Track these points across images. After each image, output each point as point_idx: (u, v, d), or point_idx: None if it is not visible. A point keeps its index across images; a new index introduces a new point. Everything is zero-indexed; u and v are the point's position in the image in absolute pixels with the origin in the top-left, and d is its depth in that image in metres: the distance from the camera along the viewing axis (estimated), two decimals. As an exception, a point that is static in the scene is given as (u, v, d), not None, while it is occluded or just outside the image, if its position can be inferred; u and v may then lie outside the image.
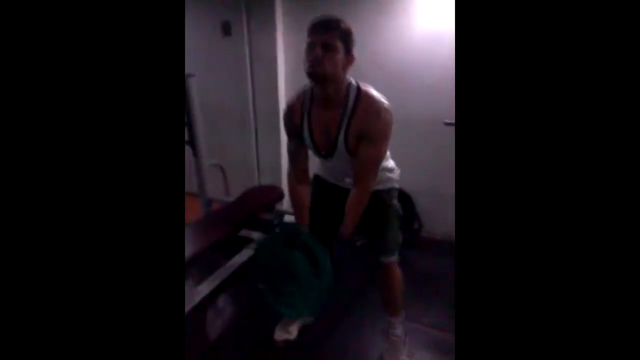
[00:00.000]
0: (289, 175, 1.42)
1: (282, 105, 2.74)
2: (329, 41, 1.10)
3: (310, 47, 1.11)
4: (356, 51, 1.18)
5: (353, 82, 1.21)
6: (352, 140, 1.21)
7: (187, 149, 2.28)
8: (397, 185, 1.45)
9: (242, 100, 2.81)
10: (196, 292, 1.89)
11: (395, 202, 1.43)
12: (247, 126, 2.87)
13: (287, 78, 2.68)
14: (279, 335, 1.61)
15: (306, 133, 1.29)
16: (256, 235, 2.41)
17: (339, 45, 1.11)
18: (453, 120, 2.16)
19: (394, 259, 1.42)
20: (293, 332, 1.64)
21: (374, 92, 1.20)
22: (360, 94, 1.19)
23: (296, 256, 1.32)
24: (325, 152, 1.29)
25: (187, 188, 3.02)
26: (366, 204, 1.29)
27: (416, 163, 2.25)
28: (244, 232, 2.35)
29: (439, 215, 2.47)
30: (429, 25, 2.16)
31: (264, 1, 2.48)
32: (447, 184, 2.36)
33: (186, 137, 2.27)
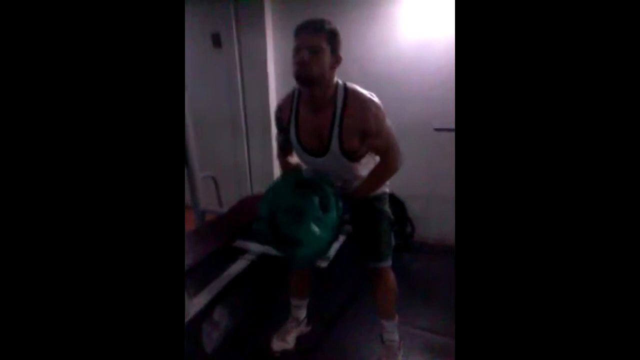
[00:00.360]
0: (277, 152, 1.47)
1: (273, 113, 2.75)
2: (315, 44, 1.11)
3: (297, 50, 1.13)
4: (343, 59, 1.19)
5: (340, 81, 1.22)
6: (348, 141, 1.21)
7: (180, 161, 2.28)
8: (387, 190, 1.47)
9: (233, 110, 2.82)
10: (192, 304, 1.88)
11: (386, 207, 1.45)
12: (238, 136, 2.89)
13: (278, 87, 2.70)
14: (277, 345, 1.61)
15: (293, 135, 1.30)
16: (251, 245, 2.41)
17: (326, 47, 1.12)
18: (443, 126, 2.19)
19: (387, 263, 1.43)
20: (290, 341, 1.63)
21: (360, 88, 1.22)
22: (348, 92, 1.20)
23: (306, 193, 1.27)
24: (316, 152, 1.29)
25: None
26: (387, 179, 1.34)
27: (407, 169, 2.25)
28: (238, 243, 2.36)
29: (431, 220, 2.50)
30: (416, 33, 2.20)
31: (254, 12, 2.51)
32: (438, 188, 2.42)
33: (178, 149, 2.26)
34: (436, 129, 2.22)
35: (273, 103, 2.72)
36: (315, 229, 1.23)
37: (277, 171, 2.89)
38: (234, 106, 2.81)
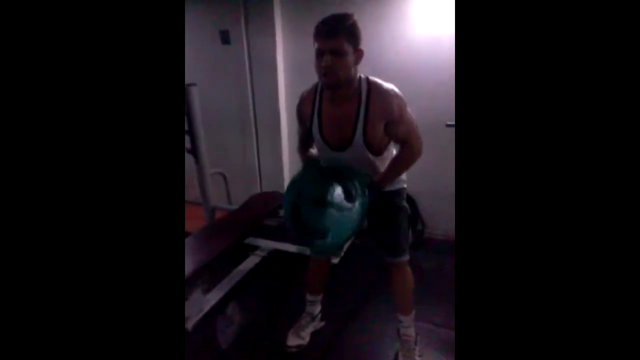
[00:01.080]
0: (298, 149, 1.48)
1: (283, 111, 2.78)
2: (338, 47, 1.11)
3: (319, 54, 1.13)
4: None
5: (362, 75, 1.23)
6: (372, 131, 1.23)
7: (189, 158, 2.28)
8: (405, 186, 1.47)
9: (242, 107, 2.82)
10: (205, 301, 1.88)
11: (404, 202, 1.45)
12: (248, 132, 2.89)
13: (287, 84, 2.69)
14: (292, 340, 1.60)
15: (316, 128, 1.30)
16: (261, 242, 2.41)
17: (348, 48, 1.12)
18: (454, 122, 2.18)
19: (405, 258, 1.44)
20: (305, 337, 1.63)
21: (380, 81, 1.24)
22: (371, 85, 1.22)
23: (332, 185, 1.25)
24: (337, 146, 1.29)
25: (190, 197, 3.02)
26: (409, 166, 1.34)
27: (418, 165, 2.26)
28: (249, 240, 2.35)
29: (441, 216, 2.49)
30: (427, 30, 2.19)
31: (263, 8, 2.50)
32: (449, 185, 2.40)
33: (188, 146, 2.27)
34: (448, 125, 2.21)
35: (282, 100, 2.71)
36: (339, 218, 1.22)
37: (286, 169, 2.89)
38: (243, 103, 2.80)
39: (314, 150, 1.46)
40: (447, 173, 2.37)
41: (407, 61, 2.29)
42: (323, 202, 1.23)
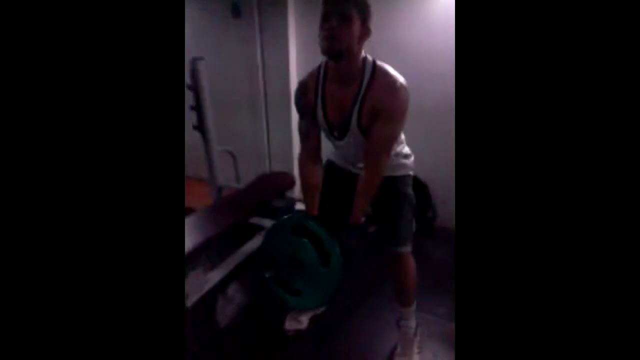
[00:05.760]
0: (300, 154, 1.36)
1: (294, 89, 2.69)
2: (345, 11, 1.02)
3: (325, 17, 1.05)
4: (373, 35, 1.10)
5: (369, 57, 1.15)
6: (366, 118, 1.15)
7: (197, 134, 2.25)
8: (411, 173, 1.39)
9: (252, 83, 2.75)
10: (207, 280, 1.88)
11: (409, 190, 1.37)
12: (257, 110, 2.83)
13: (298, 61, 2.60)
14: (290, 324, 1.60)
15: (319, 111, 1.23)
16: (267, 222, 2.39)
17: (356, 16, 1.04)
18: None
19: (407, 249, 1.37)
20: (304, 321, 1.62)
21: (390, 69, 1.14)
22: (376, 69, 1.13)
23: (304, 244, 1.27)
24: (339, 132, 1.23)
25: (197, 174, 3.01)
26: (377, 189, 1.23)
27: (432, 151, 2.17)
28: (254, 220, 2.33)
29: (453, 204, 2.39)
30: (449, 11, 2.05)
31: (275, -19, 2.40)
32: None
33: (195, 122, 2.23)
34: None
35: (293, 78, 2.63)
36: (315, 281, 1.30)
37: (296, 149, 2.82)
38: (253, 80, 2.74)
39: (316, 173, 1.35)
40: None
41: (427, 42, 2.16)
42: (298, 265, 1.30)
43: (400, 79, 1.12)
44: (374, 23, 1.10)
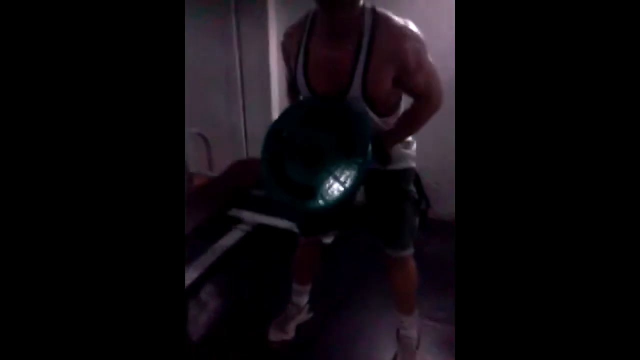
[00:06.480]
0: (288, 93, 1.26)
1: (273, 67, 2.54)
2: None
3: None
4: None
5: (367, 5, 0.95)
6: (376, 82, 0.96)
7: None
8: (413, 165, 1.23)
9: (227, 61, 2.57)
10: (177, 282, 1.68)
11: (411, 186, 1.22)
12: (233, 91, 2.65)
13: (279, 36, 2.38)
14: (274, 335, 1.43)
15: (300, 75, 1.03)
16: (246, 214, 2.20)
17: None
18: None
19: (409, 252, 1.25)
20: (290, 331, 1.46)
21: (392, 15, 0.96)
22: (378, 18, 0.94)
23: (321, 130, 1.01)
24: (329, 97, 1.04)
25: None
26: (425, 123, 1.08)
27: (424, 137, 2.01)
28: (232, 211, 2.19)
29: (449, 195, 2.26)
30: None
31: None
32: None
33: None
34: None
35: (273, 55, 2.44)
36: (332, 180, 0.97)
37: (276, 133, 2.66)
38: (229, 58, 2.54)
39: None
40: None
41: (434, 23, 1.96)
42: (312, 155, 0.99)
43: (404, 21, 0.95)
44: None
